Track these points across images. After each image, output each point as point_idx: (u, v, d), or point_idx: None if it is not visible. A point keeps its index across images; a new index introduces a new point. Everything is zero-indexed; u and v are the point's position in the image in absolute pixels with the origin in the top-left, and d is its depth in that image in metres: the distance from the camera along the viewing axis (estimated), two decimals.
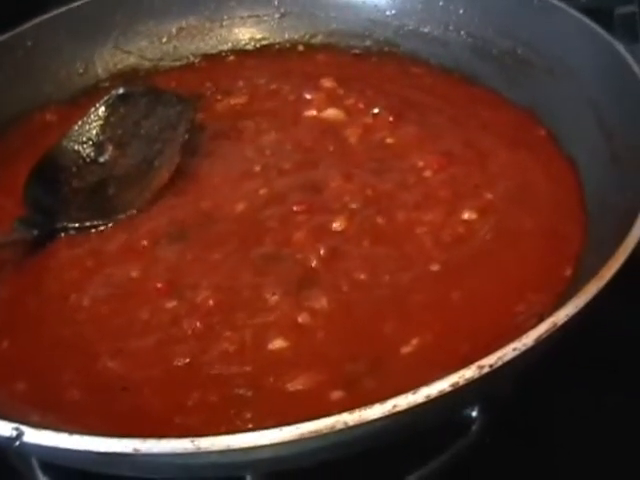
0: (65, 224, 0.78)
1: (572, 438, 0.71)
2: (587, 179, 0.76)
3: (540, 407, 0.73)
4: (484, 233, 0.73)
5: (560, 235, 0.72)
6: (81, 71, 0.98)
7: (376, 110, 0.88)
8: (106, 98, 0.87)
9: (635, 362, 0.75)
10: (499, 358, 0.52)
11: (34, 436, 0.52)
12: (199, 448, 0.49)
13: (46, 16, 0.96)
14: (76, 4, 0.98)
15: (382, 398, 0.51)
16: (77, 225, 0.78)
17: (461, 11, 0.95)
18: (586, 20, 0.82)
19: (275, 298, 0.69)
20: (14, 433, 0.52)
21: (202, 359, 0.65)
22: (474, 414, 0.69)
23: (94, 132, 0.85)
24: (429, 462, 0.67)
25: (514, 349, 0.52)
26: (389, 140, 0.84)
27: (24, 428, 0.52)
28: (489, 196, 0.76)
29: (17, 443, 0.52)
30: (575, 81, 0.82)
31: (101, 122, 0.86)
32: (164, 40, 1.02)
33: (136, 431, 0.53)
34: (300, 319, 0.67)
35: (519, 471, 0.70)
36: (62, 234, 0.78)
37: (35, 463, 0.69)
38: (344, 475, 0.67)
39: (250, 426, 0.59)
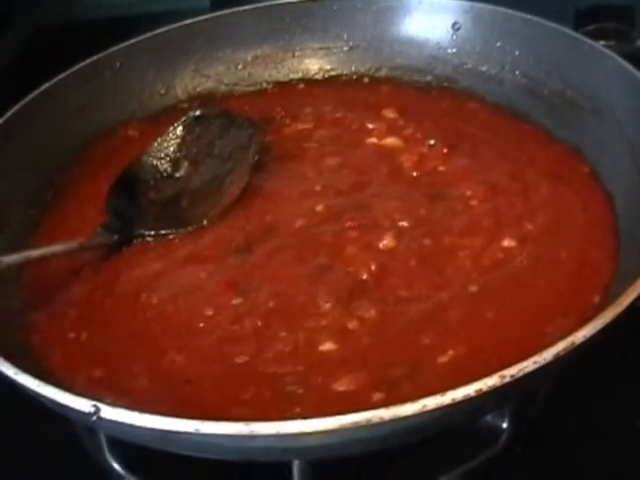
0: (142, 231, 0.84)
1: (600, 454, 0.75)
2: (622, 215, 0.80)
3: (570, 420, 0.77)
4: (521, 260, 0.76)
5: (592, 265, 0.76)
6: (163, 92, 1.04)
7: (432, 141, 0.92)
8: (183, 119, 0.92)
9: None
10: (520, 369, 0.57)
11: (109, 413, 0.58)
12: (252, 431, 0.55)
13: (133, 40, 1.02)
14: (161, 30, 1.03)
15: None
16: (152, 233, 0.84)
17: (517, 53, 0.99)
18: (629, 67, 0.85)
19: (328, 305, 0.74)
20: (92, 409, 0.58)
21: (259, 357, 0.70)
22: (504, 425, 0.75)
23: (171, 149, 0.91)
24: (458, 467, 0.72)
25: (534, 362, 0.57)
26: (441, 168, 0.88)
27: (101, 405, 0.58)
28: (529, 227, 0.80)
29: (94, 418, 0.58)
30: (617, 123, 0.85)
31: (178, 141, 0.92)
32: (240, 67, 1.07)
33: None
34: (350, 325, 0.72)
35: None
36: (138, 240, 0.84)
37: (104, 444, 0.75)
38: (380, 473, 0.73)
39: None
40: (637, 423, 0.77)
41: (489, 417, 0.74)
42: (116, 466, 0.76)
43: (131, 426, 0.58)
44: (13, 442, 0.80)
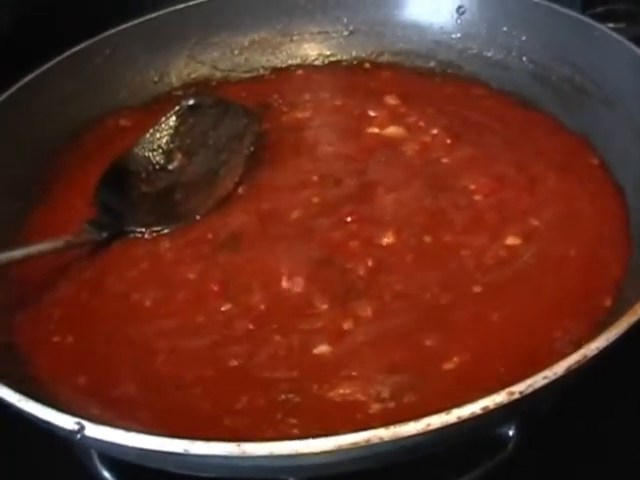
0: (132, 227, 0.81)
1: (608, 461, 0.72)
2: (633, 209, 0.77)
3: (579, 426, 0.74)
4: (527, 258, 0.73)
5: (602, 264, 0.73)
6: (156, 79, 1.01)
7: (435, 130, 0.89)
8: (177, 108, 0.90)
9: None
10: (529, 385, 0.54)
11: (94, 431, 0.55)
12: (244, 452, 0.52)
13: (125, 25, 0.99)
14: (154, 15, 1.00)
15: (420, 413, 0.53)
16: (144, 229, 0.81)
17: (524, 38, 0.96)
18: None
19: (324, 307, 0.71)
20: (76, 427, 0.55)
21: (252, 362, 0.67)
22: (511, 433, 0.72)
23: (164, 140, 0.89)
24: (464, 475, 0.69)
25: (544, 377, 0.54)
26: (445, 160, 0.85)
27: (85, 423, 0.55)
28: (535, 222, 0.77)
29: (79, 436, 0.55)
30: (627, 112, 0.83)
31: (171, 131, 0.89)
32: (236, 52, 1.04)
33: (185, 429, 0.57)
34: (345, 326, 0.69)
35: None
36: (128, 235, 0.81)
37: (94, 454, 0.72)
38: None
39: (295, 431, 0.61)
40: None
41: None
42: (107, 475, 0.72)
43: (117, 445, 0.55)
44: None
